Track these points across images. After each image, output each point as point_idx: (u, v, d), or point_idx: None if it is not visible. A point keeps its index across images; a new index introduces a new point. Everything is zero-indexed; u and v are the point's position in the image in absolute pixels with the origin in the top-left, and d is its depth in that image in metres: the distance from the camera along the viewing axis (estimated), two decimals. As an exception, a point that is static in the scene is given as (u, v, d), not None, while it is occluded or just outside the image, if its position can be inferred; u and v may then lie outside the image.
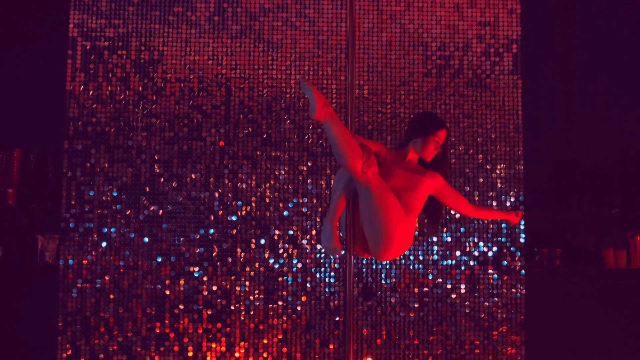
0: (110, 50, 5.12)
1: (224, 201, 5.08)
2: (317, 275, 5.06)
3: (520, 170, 5.15)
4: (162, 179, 5.09)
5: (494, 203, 5.13)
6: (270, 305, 5.05)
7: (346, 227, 3.62)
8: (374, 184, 3.48)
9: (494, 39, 5.21)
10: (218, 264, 5.05)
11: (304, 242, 5.07)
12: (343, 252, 3.63)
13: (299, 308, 5.05)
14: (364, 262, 5.08)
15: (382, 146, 3.77)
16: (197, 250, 5.05)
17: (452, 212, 5.11)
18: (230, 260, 5.06)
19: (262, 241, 5.08)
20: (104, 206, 5.04)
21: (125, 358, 4.99)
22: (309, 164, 5.12)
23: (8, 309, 5.22)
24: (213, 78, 5.15)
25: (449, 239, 5.11)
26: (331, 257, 4.97)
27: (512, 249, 5.10)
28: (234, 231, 5.07)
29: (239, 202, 5.06)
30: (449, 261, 5.10)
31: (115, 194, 5.06)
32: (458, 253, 5.10)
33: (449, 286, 5.08)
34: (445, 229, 5.11)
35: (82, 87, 5.09)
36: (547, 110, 5.55)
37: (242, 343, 5.03)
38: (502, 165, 5.16)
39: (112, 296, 5.00)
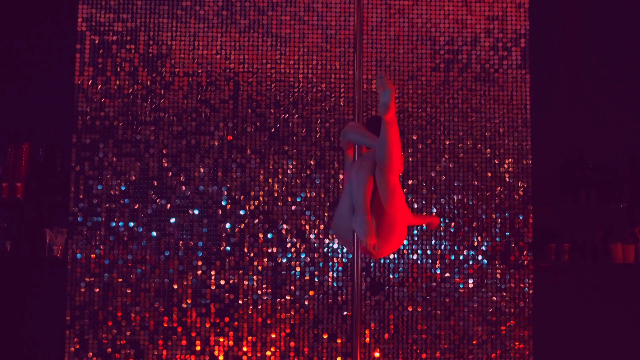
0: (119, 44, 5.13)
1: (232, 195, 5.08)
2: (325, 270, 5.06)
3: (529, 164, 5.14)
4: (170, 173, 5.09)
5: (502, 197, 5.12)
6: (278, 300, 5.05)
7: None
8: (398, 183, 3.63)
9: (502, 34, 5.21)
10: (226, 258, 5.05)
11: (312, 236, 5.07)
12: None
13: (306, 302, 5.05)
14: (372, 256, 5.08)
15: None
16: (205, 244, 5.05)
17: (461, 206, 5.10)
18: (238, 254, 5.06)
19: (270, 235, 5.08)
20: (112, 200, 5.05)
21: (132, 352, 4.99)
22: (317, 158, 5.12)
23: (16, 302, 5.23)
24: (221, 72, 5.15)
25: (458, 234, 5.10)
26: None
27: (520, 243, 5.10)
28: (242, 225, 5.07)
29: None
30: (457, 256, 5.09)
31: (123, 188, 5.06)
32: (466, 247, 5.09)
33: (456, 281, 5.08)
34: (452, 223, 5.11)
35: (91, 81, 5.09)
36: (555, 104, 5.55)
37: (249, 337, 5.03)
38: (510, 160, 5.15)
39: (120, 290, 5.00)
